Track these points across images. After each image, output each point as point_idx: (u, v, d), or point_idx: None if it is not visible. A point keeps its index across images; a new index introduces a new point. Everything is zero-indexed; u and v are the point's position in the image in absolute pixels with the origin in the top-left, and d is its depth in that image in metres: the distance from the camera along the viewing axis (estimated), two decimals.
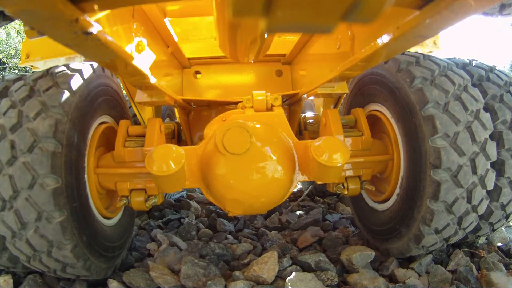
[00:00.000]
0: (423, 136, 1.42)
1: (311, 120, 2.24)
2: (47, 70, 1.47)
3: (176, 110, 2.97)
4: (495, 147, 1.47)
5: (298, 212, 2.77)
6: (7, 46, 14.31)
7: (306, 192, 3.12)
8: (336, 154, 1.29)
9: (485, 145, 1.41)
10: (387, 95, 1.66)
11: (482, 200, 1.46)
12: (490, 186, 1.46)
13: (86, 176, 1.51)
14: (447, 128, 1.37)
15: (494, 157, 1.44)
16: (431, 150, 1.39)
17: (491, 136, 1.47)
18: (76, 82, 1.43)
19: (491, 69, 1.70)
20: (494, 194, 1.53)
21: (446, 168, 1.37)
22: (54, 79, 1.41)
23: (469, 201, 1.42)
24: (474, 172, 1.40)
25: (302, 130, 2.30)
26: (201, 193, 3.72)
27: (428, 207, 1.42)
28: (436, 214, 1.41)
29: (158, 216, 2.76)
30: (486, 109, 1.52)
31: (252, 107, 1.65)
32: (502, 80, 1.64)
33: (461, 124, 1.38)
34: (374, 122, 1.82)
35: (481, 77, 1.64)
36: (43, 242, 1.33)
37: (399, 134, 1.63)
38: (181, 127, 2.31)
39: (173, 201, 3.12)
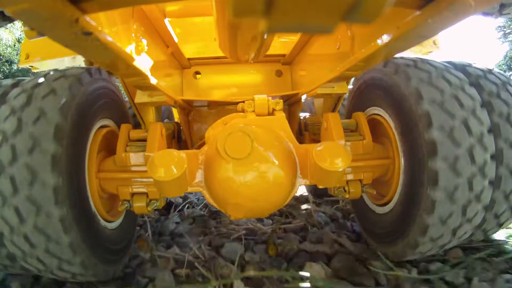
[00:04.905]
0: (419, 132, 1.43)
1: (311, 121, 2.24)
2: (44, 76, 1.47)
3: (174, 110, 2.96)
4: (493, 141, 1.47)
5: None
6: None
7: None
8: (337, 159, 1.30)
9: (482, 138, 1.41)
10: (385, 98, 1.67)
11: (483, 190, 1.45)
12: (492, 178, 1.45)
13: (87, 181, 1.50)
14: (443, 123, 1.37)
15: (492, 149, 1.44)
16: (428, 146, 1.39)
17: (493, 130, 1.46)
18: (73, 87, 1.43)
19: (490, 71, 1.71)
20: (501, 185, 1.52)
21: (443, 158, 1.37)
22: (51, 85, 1.40)
23: (470, 190, 1.42)
24: (473, 163, 1.39)
25: (302, 131, 2.30)
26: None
27: (428, 196, 1.42)
28: (438, 203, 1.41)
29: None
30: (483, 104, 1.52)
31: (253, 111, 1.66)
32: (500, 80, 1.65)
33: (457, 119, 1.38)
34: (375, 126, 1.82)
35: (479, 77, 1.65)
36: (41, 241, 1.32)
37: (397, 135, 1.63)
38: (181, 127, 2.31)
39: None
